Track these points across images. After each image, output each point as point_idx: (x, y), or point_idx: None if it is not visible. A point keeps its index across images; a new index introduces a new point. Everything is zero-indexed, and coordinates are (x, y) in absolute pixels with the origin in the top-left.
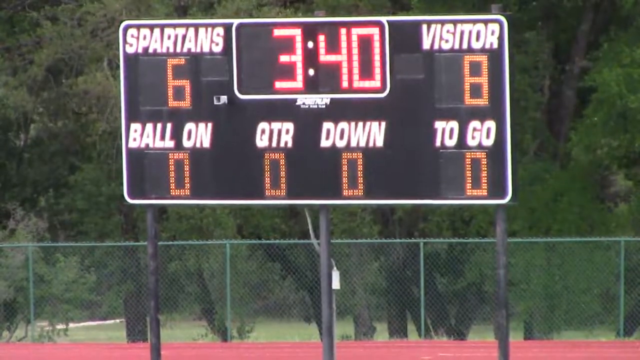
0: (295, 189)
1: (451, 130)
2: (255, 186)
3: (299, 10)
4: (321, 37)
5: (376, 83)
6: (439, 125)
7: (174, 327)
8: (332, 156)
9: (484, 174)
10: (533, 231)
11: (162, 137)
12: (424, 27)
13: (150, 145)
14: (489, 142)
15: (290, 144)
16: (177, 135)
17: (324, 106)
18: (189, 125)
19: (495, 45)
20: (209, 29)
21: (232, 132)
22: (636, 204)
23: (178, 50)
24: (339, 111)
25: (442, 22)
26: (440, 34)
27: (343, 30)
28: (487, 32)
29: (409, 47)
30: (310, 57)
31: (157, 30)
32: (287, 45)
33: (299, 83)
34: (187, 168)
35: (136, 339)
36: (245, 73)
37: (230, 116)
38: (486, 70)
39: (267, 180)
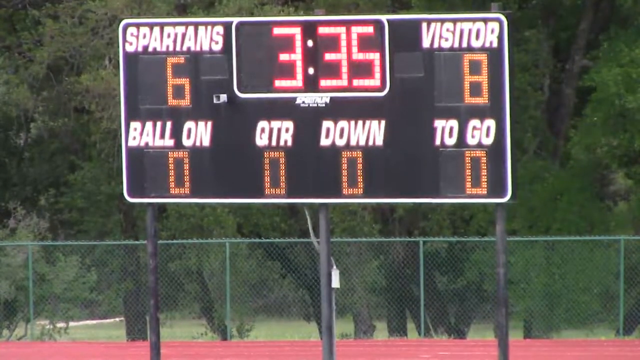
0: (295, 187)
1: (451, 129)
2: (255, 185)
3: (299, 9)
4: (321, 36)
5: (376, 82)
6: (438, 123)
7: (173, 325)
8: (331, 155)
9: (484, 172)
10: (533, 230)
11: (162, 136)
12: (424, 25)
13: (150, 144)
14: (488, 140)
15: (290, 143)
16: (176, 133)
17: (323, 105)
18: (189, 124)
19: (495, 44)
20: (209, 28)
21: (231, 131)
22: (636, 202)
23: (178, 48)
24: (339, 110)
25: (442, 21)
26: (440, 32)
27: (343, 29)
28: (486, 30)
29: (408, 46)
30: (310, 56)
31: (156, 29)
32: (286, 43)
33: (298, 82)
34: (186, 166)
35: (136, 337)
36: (245, 71)
37: (230, 115)
38: (486, 68)
39: (267, 178)
